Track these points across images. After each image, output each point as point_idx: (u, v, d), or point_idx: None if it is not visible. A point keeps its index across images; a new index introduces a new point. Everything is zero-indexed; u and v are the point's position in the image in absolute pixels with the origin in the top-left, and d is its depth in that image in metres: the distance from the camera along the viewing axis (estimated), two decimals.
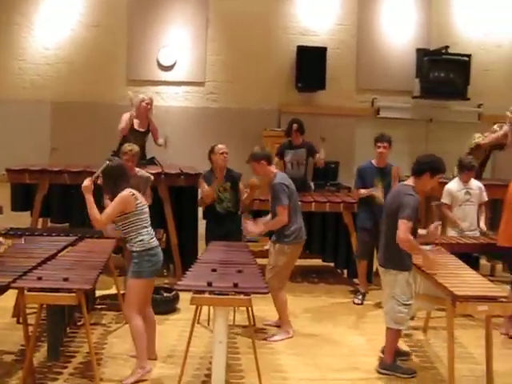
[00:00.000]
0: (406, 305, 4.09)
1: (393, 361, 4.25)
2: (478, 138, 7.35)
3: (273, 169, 4.92)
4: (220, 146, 5.78)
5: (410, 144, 8.44)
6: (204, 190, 5.75)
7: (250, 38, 8.36)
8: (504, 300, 3.68)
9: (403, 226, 3.93)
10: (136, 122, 6.56)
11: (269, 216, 4.98)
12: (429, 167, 4.06)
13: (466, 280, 4.02)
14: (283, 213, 4.69)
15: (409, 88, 8.41)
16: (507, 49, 8.83)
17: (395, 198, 4.10)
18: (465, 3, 8.78)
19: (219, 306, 3.54)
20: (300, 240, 4.87)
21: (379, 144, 5.83)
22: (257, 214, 5.89)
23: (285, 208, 4.68)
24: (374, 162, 5.89)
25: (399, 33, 8.56)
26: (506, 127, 7.41)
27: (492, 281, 6.85)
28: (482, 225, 6.23)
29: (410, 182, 4.16)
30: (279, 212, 4.70)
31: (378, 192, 5.74)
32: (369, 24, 8.53)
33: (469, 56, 8.30)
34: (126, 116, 6.52)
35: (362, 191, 5.81)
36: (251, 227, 4.97)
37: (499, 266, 7.17)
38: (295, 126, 6.81)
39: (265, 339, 4.77)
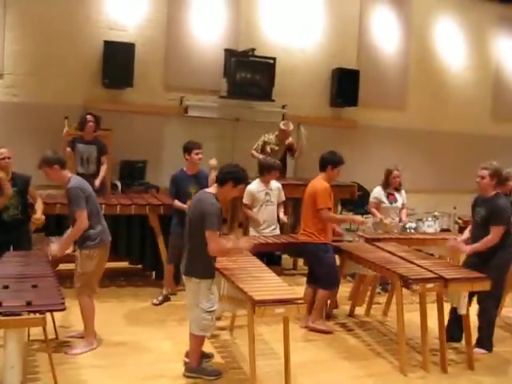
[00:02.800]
0: (210, 312, 4.17)
1: (198, 364, 4.31)
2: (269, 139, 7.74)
3: (67, 173, 4.66)
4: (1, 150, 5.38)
5: (218, 143, 8.62)
6: None
7: (55, 29, 7.84)
8: (299, 302, 3.91)
9: (213, 238, 4.02)
10: None
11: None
12: (232, 177, 4.18)
13: (266, 284, 4.19)
14: (82, 217, 4.49)
15: (217, 87, 8.54)
16: (310, 54, 9.39)
17: (197, 206, 4.15)
18: (272, 8, 9.14)
19: (11, 328, 3.27)
20: (105, 242, 4.70)
21: (197, 151, 5.80)
22: (58, 220, 5.61)
23: (83, 212, 4.49)
24: (185, 169, 5.87)
25: (209, 32, 8.64)
26: (291, 126, 7.85)
27: (294, 274, 7.41)
28: (282, 216, 6.54)
29: (213, 189, 4.23)
30: (78, 217, 4.50)
31: None
32: (178, 21, 8.48)
33: (274, 59, 8.65)
34: None
35: (176, 203, 5.77)
36: (54, 248, 4.69)
37: (301, 260, 7.65)
38: (89, 118, 6.64)
39: (66, 353, 4.54)
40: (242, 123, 8.67)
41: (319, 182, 5.40)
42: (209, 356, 4.53)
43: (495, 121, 11.36)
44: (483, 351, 5.12)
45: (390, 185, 6.85)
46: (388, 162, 8.08)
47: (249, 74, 8.42)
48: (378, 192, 6.89)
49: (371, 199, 6.92)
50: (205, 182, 5.75)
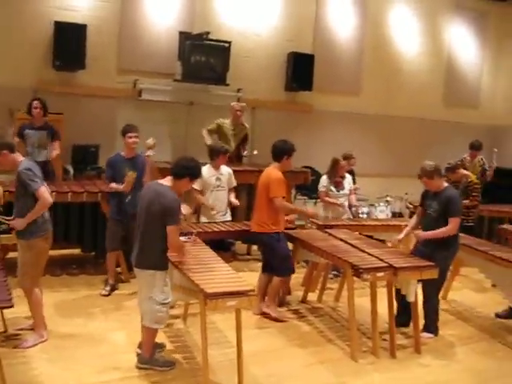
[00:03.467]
0: (164, 304, 4.15)
1: (151, 355, 4.31)
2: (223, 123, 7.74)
3: (18, 157, 4.51)
4: None
5: (171, 126, 8.55)
6: None
7: (0, 10, 7.56)
8: (251, 294, 3.94)
9: (174, 233, 4.03)
10: None
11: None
12: (189, 173, 4.14)
13: (217, 275, 4.19)
14: (44, 194, 4.38)
15: (171, 71, 8.40)
16: (265, 38, 9.33)
17: (155, 199, 4.04)
18: None
19: None
20: (46, 232, 4.56)
21: (130, 134, 5.69)
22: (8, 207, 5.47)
23: (41, 188, 4.37)
24: (123, 153, 5.79)
25: (163, 14, 8.45)
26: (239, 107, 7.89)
27: (248, 260, 7.45)
28: (233, 199, 6.57)
29: (167, 181, 4.16)
30: (39, 196, 4.36)
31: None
32: (132, 3, 8.27)
33: (229, 43, 8.56)
34: None
35: (112, 185, 5.70)
36: (16, 222, 4.47)
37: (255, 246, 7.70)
38: (36, 104, 6.46)
39: (16, 347, 4.46)
40: (196, 107, 8.59)
41: (273, 171, 5.42)
42: (161, 346, 4.52)
43: (447, 106, 11.59)
44: (430, 335, 5.29)
45: (337, 174, 6.93)
46: (342, 146, 8.21)
47: (203, 57, 8.31)
48: (324, 181, 6.98)
49: (320, 188, 7.01)
50: (141, 166, 5.74)
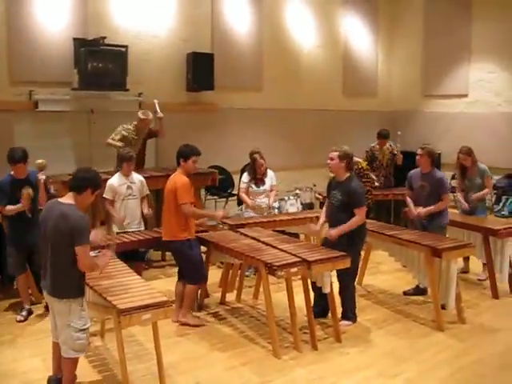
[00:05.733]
0: (83, 330, 3.89)
1: None
2: (125, 131, 7.59)
3: None
4: None
5: (73, 137, 8.21)
6: None
7: None
8: (166, 305, 3.87)
9: (84, 253, 3.75)
10: None
11: None
12: (89, 183, 3.92)
13: (131, 289, 4.09)
14: None
15: (68, 79, 8.05)
16: (162, 39, 9.17)
17: (62, 221, 3.74)
18: None
19: None
20: None
21: (17, 165, 5.47)
22: None
23: None
24: (13, 173, 5.53)
25: (54, 21, 8.05)
26: (151, 115, 7.79)
27: (164, 266, 7.37)
28: (146, 211, 6.41)
29: (69, 199, 3.88)
30: None
31: None
32: (19, 11, 7.82)
33: (126, 47, 8.34)
34: None
35: (10, 208, 5.46)
36: None
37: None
38: None
39: None
40: (97, 115, 8.32)
41: (178, 177, 5.37)
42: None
43: (346, 96, 11.93)
44: (348, 323, 5.45)
45: (256, 170, 7.01)
46: (249, 142, 8.25)
47: (101, 63, 8.01)
48: (245, 177, 7.10)
49: (241, 185, 7.15)
50: (36, 184, 5.56)
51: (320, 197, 8.38)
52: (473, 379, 4.45)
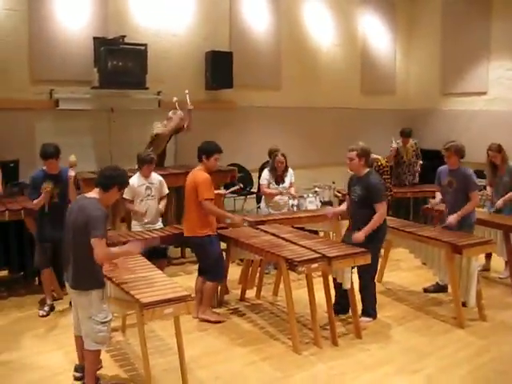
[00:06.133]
0: (105, 322, 3.94)
1: (97, 380, 4.14)
2: (158, 128, 7.65)
3: None
4: None
5: (93, 135, 8.33)
6: None
7: None
8: (187, 299, 3.90)
9: (99, 245, 3.78)
10: None
11: None
12: (116, 182, 3.99)
13: (153, 284, 4.12)
14: None
15: (88, 78, 8.17)
16: (182, 37, 9.24)
17: (80, 213, 3.85)
18: None
19: None
20: None
21: (50, 161, 5.50)
22: None
23: None
24: (46, 168, 5.58)
25: (75, 20, 8.17)
26: (179, 112, 7.86)
27: (183, 263, 7.39)
28: (160, 206, 6.42)
29: (94, 194, 3.97)
30: None
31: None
32: (41, 10, 7.93)
33: (145, 45, 8.41)
34: None
35: (36, 201, 5.50)
36: None
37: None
38: None
39: None
40: (116, 113, 8.41)
41: (199, 173, 5.39)
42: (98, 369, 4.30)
43: (364, 94, 11.91)
44: (369, 319, 5.43)
45: (276, 169, 7.07)
46: (268, 141, 8.29)
47: (120, 62, 8.09)
48: (266, 174, 7.18)
49: (262, 181, 7.22)
50: (65, 181, 5.60)
51: (339, 194, 8.39)
52: (493, 376, 4.42)
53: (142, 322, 3.88)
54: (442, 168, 6.17)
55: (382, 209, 5.20)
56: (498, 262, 6.82)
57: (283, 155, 7.09)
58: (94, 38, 8.15)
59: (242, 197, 9.45)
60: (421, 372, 4.46)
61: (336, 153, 10.93)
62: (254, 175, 8.95)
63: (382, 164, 7.42)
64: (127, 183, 4.21)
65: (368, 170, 5.38)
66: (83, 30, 8.22)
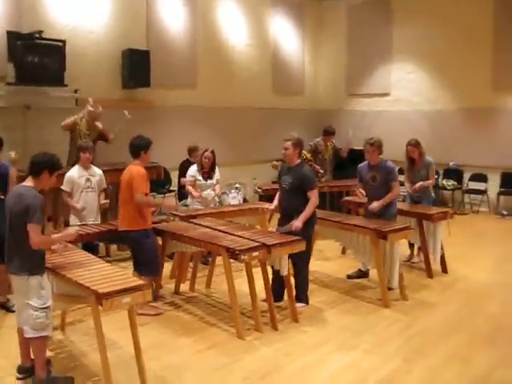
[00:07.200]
0: (43, 308, 3.94)
1: (48, 372, 4.09)
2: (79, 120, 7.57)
3: None
4: None
5: (8, 133, 7.90)
6: None
7: None
8: (144, 288, 3.95)
9: (35, 231, 3.86)
10: None
11: None
12: (46, 166, 4.05)
13: (105, 275, 4.12)
14: None
15: (2, 73, 7.86)
16: (99, 34, 9.09)
17: (18, 200, 3.93)
18: None
19: None
20: None
21: None
22: None
23: None
24: None
25: None
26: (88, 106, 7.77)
27: (109, 261, 7.28)
28: (102, 200, 6.50)
29: (29, 182, 4.04)
30: None
31: None
32: None
33: (63, 41, 8.20)
34: None
35: None
36: None
37: (114, 246, 7.63)
38: None
39: None
40: (33, 111, 8.14)
41: (135, 168, 5.43)
42: (49, 361, 4.29)
43: (276, 94, 12.28)
44: (302, 305, 5.71)
45: (203, 165, 7.16)
46: (186, 139, 8.38)
47: (37, 57, 7.84)
48: (193, 170, 7.24)
49: (188, 177, 7.27)
50: (5, 175, 5.47)
51: (260, 190, 8.64)
52: (424, 345, 4.85)
53: (98, 313, 3.88)
54: (362, 164, 6.56)
55: (315, 195, 5.50)
56: (406, 250, 7.41)
57: (212, 152, 7.22)
58: (8, 32, 7.84)
59: (161, 195, 9.46)
60: (359, 347, 4.78)
61: (252, 151, 11.26)
62: (173, 174, 9.02)
63: (307, 157, 7.77)
64: (58, 167, 4.21)
65: (300, 160, 5.66)
66: None
